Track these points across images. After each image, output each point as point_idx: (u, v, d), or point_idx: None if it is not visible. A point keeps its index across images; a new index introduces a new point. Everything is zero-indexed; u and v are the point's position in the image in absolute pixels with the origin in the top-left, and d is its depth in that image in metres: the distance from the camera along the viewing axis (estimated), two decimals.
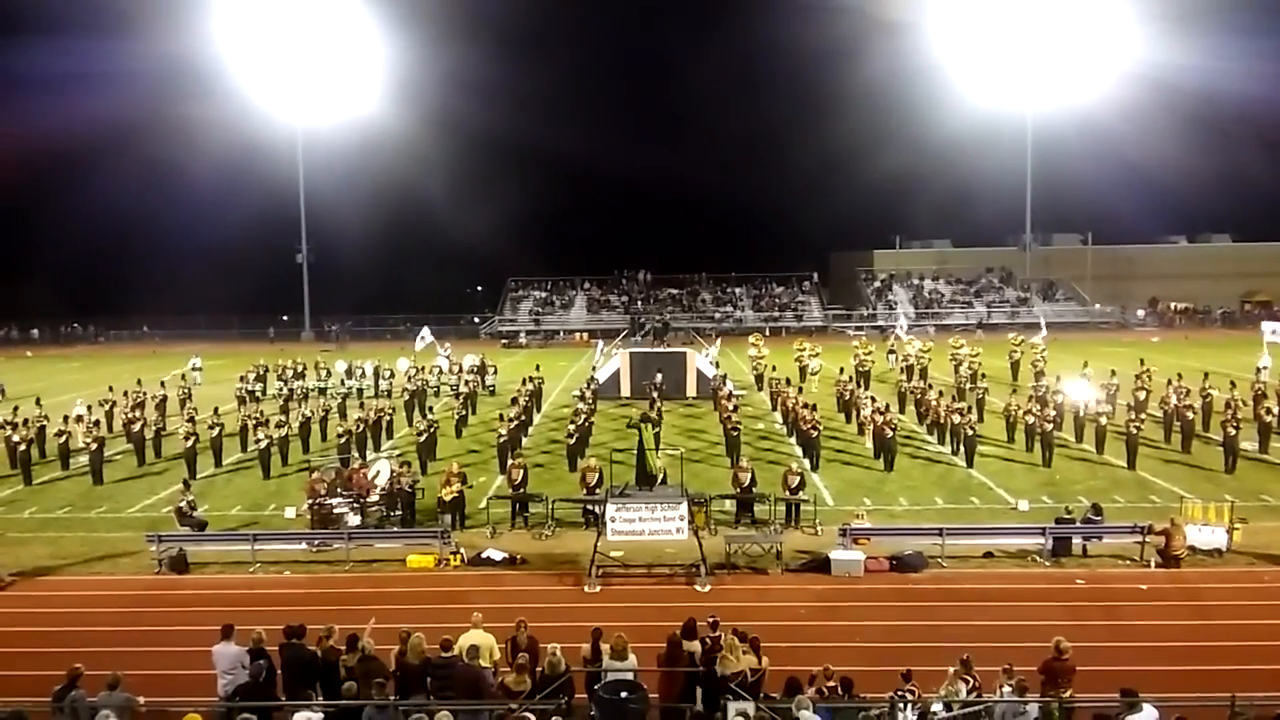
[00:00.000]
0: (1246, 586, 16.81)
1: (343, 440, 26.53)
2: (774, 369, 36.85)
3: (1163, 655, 13.81)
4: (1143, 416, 26.49)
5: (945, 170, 73.87)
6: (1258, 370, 32.27)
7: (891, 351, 42.83)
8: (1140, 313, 72.70)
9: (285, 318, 74.97)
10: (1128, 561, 18.10)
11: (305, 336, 71.71)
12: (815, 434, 26.01)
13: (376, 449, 27.94)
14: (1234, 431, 24.67)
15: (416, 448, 26.52)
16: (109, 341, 74.13)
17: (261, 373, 38.82)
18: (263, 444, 26.03)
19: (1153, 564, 17.80)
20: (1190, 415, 27.18)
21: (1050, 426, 26.18)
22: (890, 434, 25.72)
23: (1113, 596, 16.44)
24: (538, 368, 35.99)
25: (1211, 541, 18.32)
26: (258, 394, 36.34)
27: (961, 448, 26.14)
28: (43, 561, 18.82)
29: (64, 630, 15.24)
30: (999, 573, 17.79)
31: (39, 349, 70.09)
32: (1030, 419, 27.02)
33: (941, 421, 27.95)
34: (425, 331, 43.03)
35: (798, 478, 20.72)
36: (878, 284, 76.66)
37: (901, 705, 10.42)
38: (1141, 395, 29.33)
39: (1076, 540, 18.60)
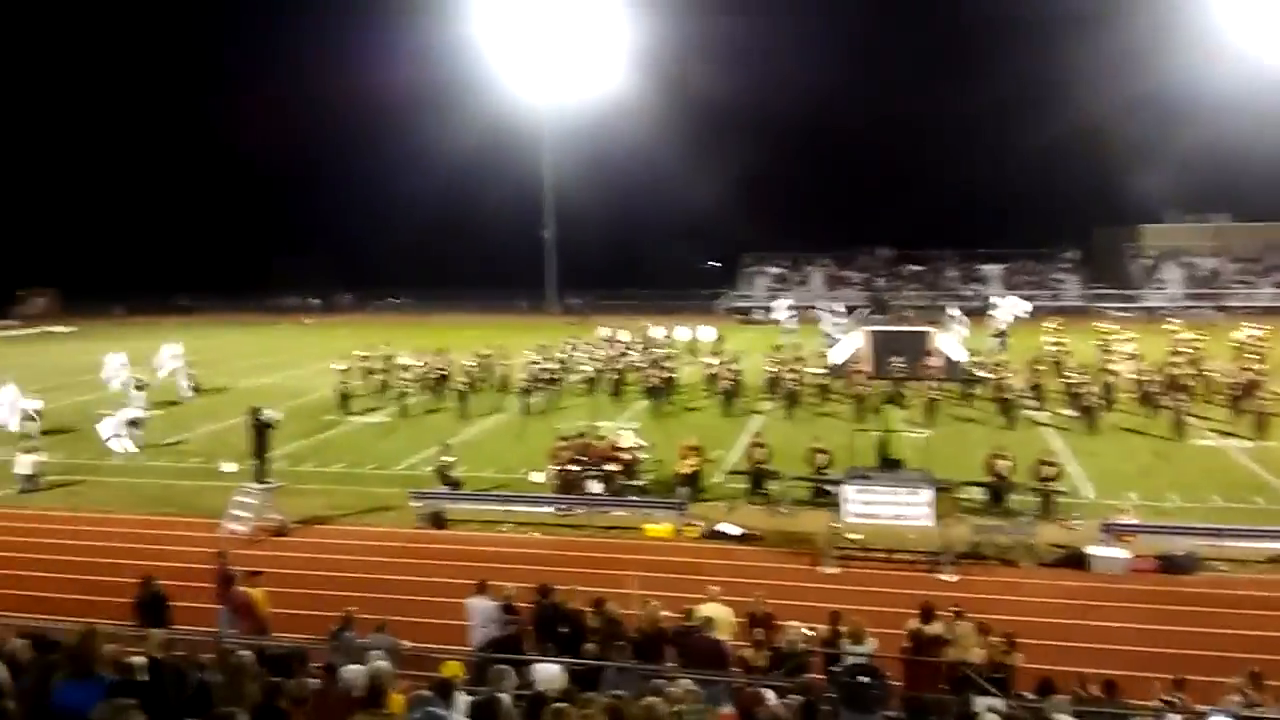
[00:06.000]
0: None
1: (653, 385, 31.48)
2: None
3: None
4: None
5: (1225, 137, 66.45)
6: None
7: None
8: None
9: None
10: None
11: (551, 309, 74.80)
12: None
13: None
14: None
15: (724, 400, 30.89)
16: (373, 311, 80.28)
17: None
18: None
19: None
20: None
21: None
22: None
23: None
24: (776, 347, 35.59)
25: None
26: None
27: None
28: (319, 511, 20.64)
29: (336, 575, 16.60)
30: None
31: (316, 317, 76.91)
32: None
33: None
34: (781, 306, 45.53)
35: (1052, 468, 19.51)
36: (1147, 261, 70.67)
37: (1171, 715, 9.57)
38: None
39: None
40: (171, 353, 35.34)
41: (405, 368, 33.52)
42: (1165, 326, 40.40)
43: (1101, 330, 39.70)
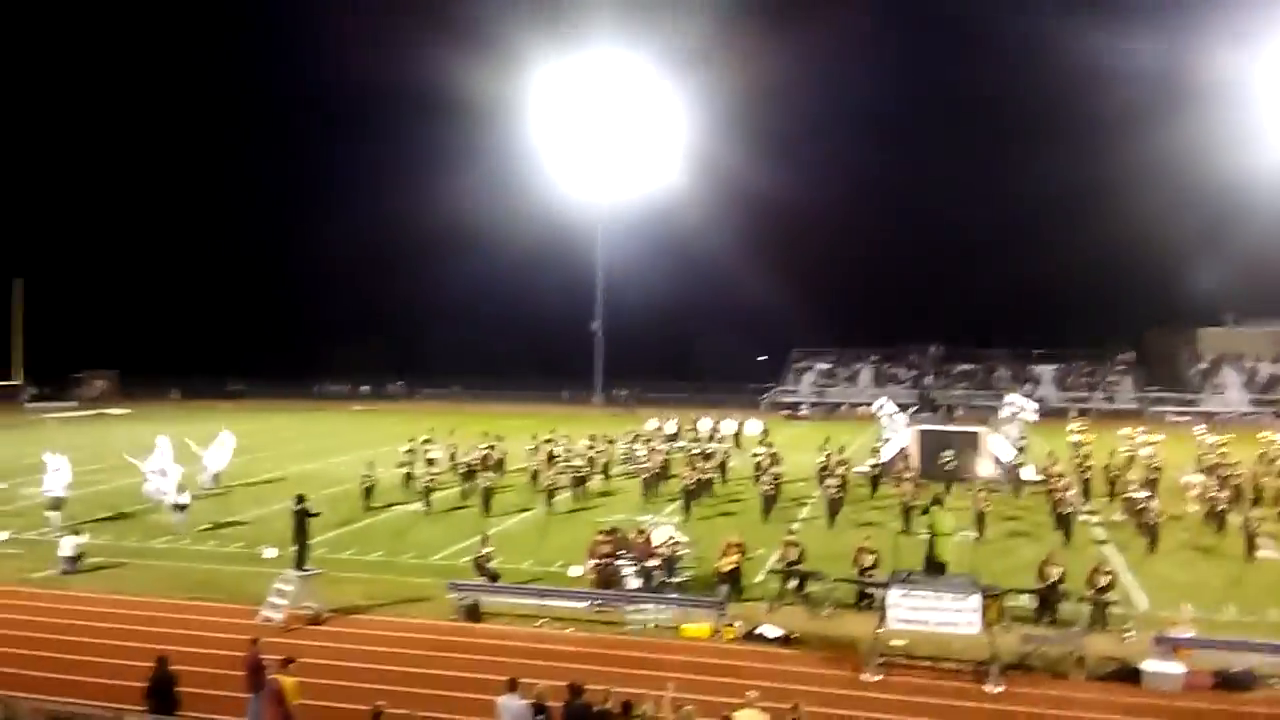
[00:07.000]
0: None
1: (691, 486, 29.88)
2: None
3: None
4: None
5: None
6: None
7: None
8: None
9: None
10: None
11: (595, 400, 75.03)
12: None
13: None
14: None
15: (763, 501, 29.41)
16: (422, 399, 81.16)
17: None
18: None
19: None
20: None
21: None
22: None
23: None
24: (827, 440, 35.02)
25: None
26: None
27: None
28: (356, 600, 20.49)
29: (368, 666, 16.40)
30: None
31: (365, 403, 77.84)
32: None
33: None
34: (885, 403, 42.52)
35: (1107, 576, 18.86)
36: (1204, 365, 69.30)
37: None
38: None
39: None
40: (220, 446, 34.46)
41: (430, 461, 32.94)
42: (1196, 434, 40.38)
43: (1126, 435, 39.20)
